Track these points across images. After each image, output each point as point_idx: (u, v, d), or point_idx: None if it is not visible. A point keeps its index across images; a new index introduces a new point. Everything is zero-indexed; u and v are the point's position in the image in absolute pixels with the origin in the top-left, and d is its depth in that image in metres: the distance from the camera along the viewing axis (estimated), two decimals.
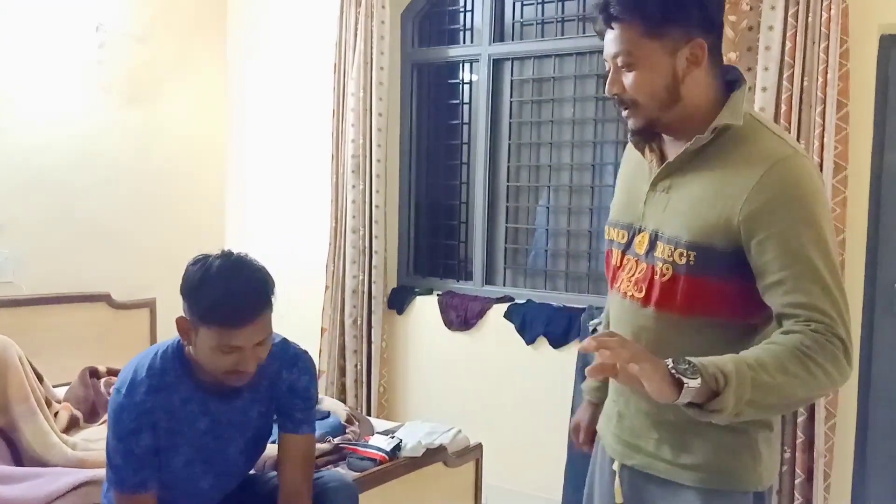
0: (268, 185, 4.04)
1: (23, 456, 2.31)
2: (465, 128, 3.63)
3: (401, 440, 2.56)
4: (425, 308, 3.60)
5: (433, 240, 3.79)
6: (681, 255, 1.26)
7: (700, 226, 1.25)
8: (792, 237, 1.18)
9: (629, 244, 1.37)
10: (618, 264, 1.39)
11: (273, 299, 1.58)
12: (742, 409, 1.10)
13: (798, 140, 2.56)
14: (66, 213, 3.42)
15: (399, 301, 3.68)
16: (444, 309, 3.52)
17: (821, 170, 2.51)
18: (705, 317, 1.27)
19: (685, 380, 1.08)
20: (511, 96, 3.47)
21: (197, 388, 1.62)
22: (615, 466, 1.41)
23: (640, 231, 1.35)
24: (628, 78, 1.26)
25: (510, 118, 3.47)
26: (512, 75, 3.46)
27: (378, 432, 2.73)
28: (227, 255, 1.57)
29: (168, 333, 3.62)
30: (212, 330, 1.50)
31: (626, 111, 1.30)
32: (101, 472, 2.15)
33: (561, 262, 3.40)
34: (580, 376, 3.13)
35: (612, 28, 1.25)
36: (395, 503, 2.43)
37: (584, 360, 3.12)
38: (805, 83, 2.55)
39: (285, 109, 3.97)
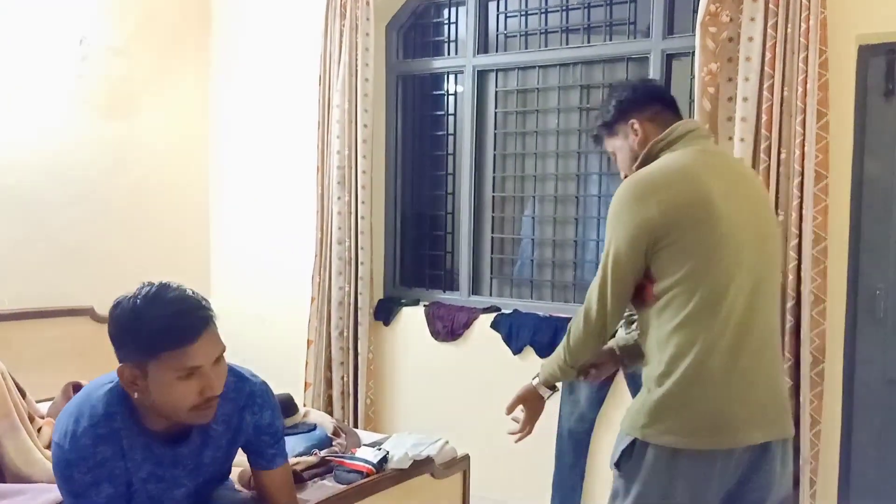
0: (253, 198, 4.03)
1: (5, 472, 2.28)
2: (451, 138, 3.64)
3: (388, 452, 2.54)
4: (412, 319, 3.60)
5: (419, 250, 3.79)
6: None
7: None
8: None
9: None
10: None
11: (213, 310, 1.49)
12: (562, 367, 1.85)
13: (780, 149, 2.59)
14: (47, 228, 3.40)
15: (385, 312, 3.67)
16: (431, 319, 3.52)
17: (801, 178, 2.54)
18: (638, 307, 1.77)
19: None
20: (496, 107, 3.48)
21: (140, 433, 1.49)
22: None
23: None
24: (617, 158, 1.88)
25: (495, 129, 3.49)
26: (496, 86, 3.48)
27: (365, 444, 2.72)
28: (144, 286, 1.46)
29: None
30: (163, 360, 1.40)
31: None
32: None
33: (547, 272, 3.41)
34: (568, 385, 3.14)
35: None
36: None
37: None
38: (785, 93, 2.58)
39: (270, 121, 3.97)
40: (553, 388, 1.95)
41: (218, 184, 4.15)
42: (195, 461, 1.57)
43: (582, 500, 3.15)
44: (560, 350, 1.84)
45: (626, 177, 1.77)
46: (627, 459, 1.68)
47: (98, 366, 3.41)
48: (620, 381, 3.05)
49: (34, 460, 2.31)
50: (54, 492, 2.10)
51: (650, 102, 1.82)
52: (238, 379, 1.64)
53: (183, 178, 4.02)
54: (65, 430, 1.46)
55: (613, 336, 1.93)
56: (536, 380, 1.94)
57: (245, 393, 1.64)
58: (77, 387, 2.92)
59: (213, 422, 1.56)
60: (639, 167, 1.74)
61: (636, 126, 1.80)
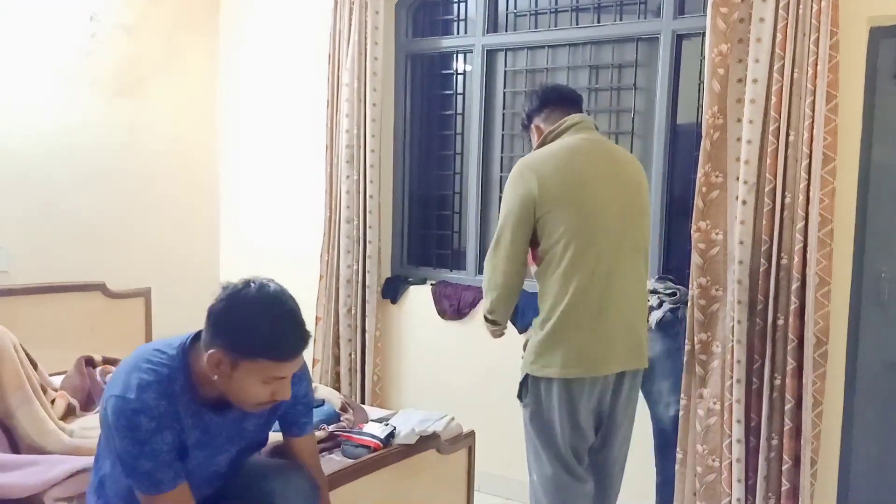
0: (262, 176, 4.06)
1: (20, 443, 2.32)
2: (459, 118, 3.64)
3: (394, 428, 2.58)
4: (419, 297, 3.63)
5: (427, 230, 3.81)
6: None
7: None
8: None
9: None
10: None
11: None
12: (489, 310, 2.23)
13: (788, 131, 2.59)
14: (57, 205, 3.43)
15: (393, 290, 3.70)
16: (438, 298, 3.55)
17: (809, 161, 2.54)
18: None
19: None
20: (504, 87, 3.48)
21: (192, 400, 1.56)
22: None
23: None
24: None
25: (503, 109, 3.49)
26: (505, 66, 3.48)
27: (372, 420, 2.76)
28: (260, 288, 1.53)
29: (162, 323, 3.66)
30: (258, 364, 1.48)
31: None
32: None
33: None
34: None
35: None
36: (389, 490, 2.45)
37: None
38: (795, 75, 2.58)
39: (279, 100, 3.98)
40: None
41: (227, 162, 4.17)
42: (238, 428, 1.65)
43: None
44: (483, 312, 2.25)
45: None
46: (525, 392, 2.16)
47: (109, 340, 3.49)
48: None
49: (48, 431, 2.35)
50: (68, 463, 2.15)
51: (544, 106, 2.26)
52: None
53: (192, 156, 4.04)
54: (127, 384, 1.50)
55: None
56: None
57: None
58: (89, 361, 2.97)
59: None
60: None
61: (535, 128, 2.28)
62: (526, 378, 2.17)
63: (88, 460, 2.17)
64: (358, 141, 3.55)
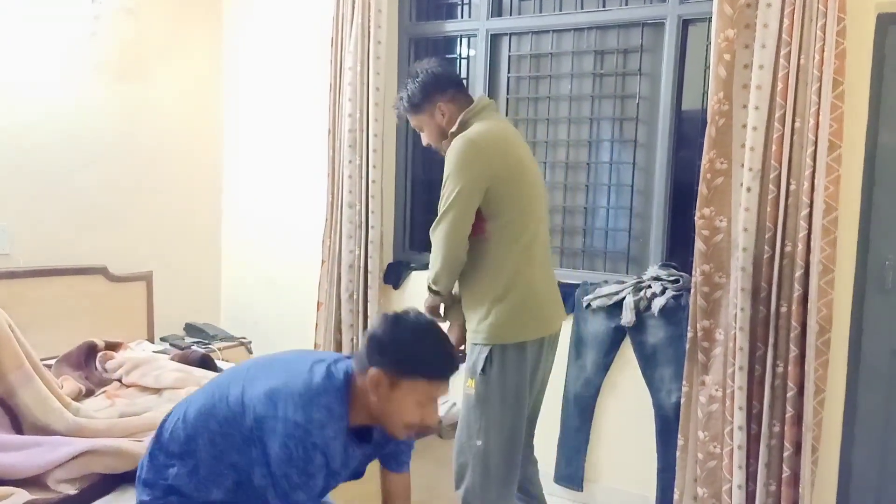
0: (264, 161, 4.04)
1: (23, 423, 2.32)
2: None
3: None
4: (421, 283, 3.59)
5: (429, 215, 3.78)
6: None
7: None
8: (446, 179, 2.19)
9: None
10: None
11: None
12: (434, 282, 2.25)
13: (794, 118, 2.57)
14: (60, 188, 3.42)
15: (395, 276, 3.70)
16: None
17: (815, 147, 2.53)
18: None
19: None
20: (508, 72, 3.46)
21: (346, 432, 1.63)
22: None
23: None
24: (424, 133, 2.38)
25: (507, 94, 3.47)
26: (509, 51, 3.45)
27: None
28: (419, 315, 1.68)
29: (163, 307, 3.65)
30: (416, 383, 1.58)
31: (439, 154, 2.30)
32: (101, 443, 2.18)
33: (556, 238, 3.41)
34: (575, 350, 3.17)
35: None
36: None
37: (577, 335, 3.16)
38: (802, 61, 2.56)
39: (282, 84, 3.96)
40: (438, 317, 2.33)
41: (230, 147, 4.15)
42: (361, 456, 1.71)
43: (586, 462, 3.20)
44: (428, 283, 2.28)
45: (436, 147, 2.35)
46: (490, 364, 2.18)
47: (110, 323, 3.49)
48: (626, 349, 3.07)
49: (51, 408, 2.35)
50: (71, 445, 2.16)
51: (448, 86, 2.32)
52: None
53: (195, 140, 4.02)
54: (308, 415, 1.55)
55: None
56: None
57: None
58: (92, 346, 2.96)
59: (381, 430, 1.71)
60: (455, 133, 2.23)
61: (442, 108, 2.30)
62: (491, 350, 2.18)
63: (92, 442, 2.18)
64: (361, 125, 3.53)
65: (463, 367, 2.19)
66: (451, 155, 2.18)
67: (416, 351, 1.59)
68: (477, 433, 2.22)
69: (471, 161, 2.16)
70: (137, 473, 1.79)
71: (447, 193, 2.17)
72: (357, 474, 1.78)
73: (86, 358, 2.96)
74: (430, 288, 2.29)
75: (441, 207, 2.19)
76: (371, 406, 1.60)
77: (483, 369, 2.19)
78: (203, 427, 1.65)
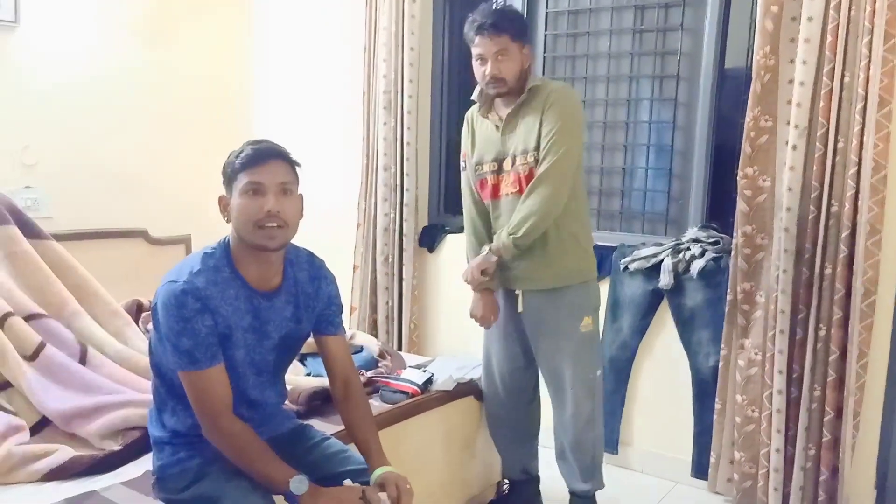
0: (298, 123, 4.04)
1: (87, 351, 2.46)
2: None
3: (432, 374, 2.60)
4: (455, 246, 3.61)
5: None
6: (529, 156, 2.32)
7: (531, 138, 2.31)
8: (552, 136, 2.27)
9: (500, 168, 2.41)
10: (495, 182, 2.43)
11: (296, 162, 1.76)
12: (512, 250, 2.33)
13: (843, 72, 2.48)
14: (97, 152, 3.46)
15: (430, 239, 3.69)
16: None
17: (864, 104, 2.43)
18: None
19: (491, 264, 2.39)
20: (546, 29, 3.38)
21: (244, 286, 1.70)
22: (518, 292, 2.45)
23: (504, 158, 2.40)
24: (504, 62, 2.32)
25: (544, 52, 3.39)
26: (547, 7, 3.37)
27: (410, 366, 2.78)
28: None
29: None
30: (239, 181, 1.67)
31: (498, 83, 2.34)
32: (141, 397, 2.24)
33: (594, 201, 3.36)
34: (611, 313, 3.14)
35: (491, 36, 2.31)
36: (427, 434, 2.48)
37: (614, 298, 3.13)
38: (852, 12, 2.45)
39: (314, 45, 3.93)
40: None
41: (262, 109, 4.15)
42: (280, 315, 1.76)
43: (621, 425, 3.19)
44: (509, 236, 2.32)
45: (501, 80, 2.32)
46: (588, 298, 2.46)
47: (151, 286, 3.50)
48: (663, 312, 3.04)
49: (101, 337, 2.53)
50: (119, 395, 2.22)
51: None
52: (310, 255, 1.91)
53: (227, 103, 4.03)
54: (179, 271, 1.66)
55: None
56: (491, 256, 2.38)
57: (317, 265, 1.88)
58: (139, 305, 3.02)
59: (295, 282, 1.80)
60: (523, 81, 2.35)
61: (527, 52, 2.37)
62: (587, 284, 2.44)
63: (132, 396, 2.24)
64: (395, 86, 3.50)
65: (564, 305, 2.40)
66: (568, 107, 2.28)
67: (230, 162, 1.70)
68: (597, 363, 2.48)
69: (579, 113, 2.33)
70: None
71: (562, 148, 2.25)
72: (295, 335, 1.82)
73: (134, 317, 3.03)
74: (513, 243, 2.30)
75: (550, 157, 2.25)
76: (235, 233, 1.69)
77: (584, 308, 2.41)
78: (154, 363, 1.75)
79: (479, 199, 2.51)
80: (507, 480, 2.78)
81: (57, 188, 3.31)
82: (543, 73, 3.40)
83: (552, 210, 2.29)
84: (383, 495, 1.65)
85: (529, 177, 2.32)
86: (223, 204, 1.72)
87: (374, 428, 1.84)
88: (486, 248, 2.40)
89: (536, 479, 2.73)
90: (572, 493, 2.55)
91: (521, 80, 2.35)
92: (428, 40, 3.62)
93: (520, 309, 2.45)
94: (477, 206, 2.52)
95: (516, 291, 2.45)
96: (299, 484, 1.58)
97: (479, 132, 2.49)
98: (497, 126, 2.42)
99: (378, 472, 1.71)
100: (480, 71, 2.36)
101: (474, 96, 2.50)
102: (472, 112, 2.53)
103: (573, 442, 2.48)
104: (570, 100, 2.32)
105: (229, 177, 1.70)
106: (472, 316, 2.52)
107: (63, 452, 2.03)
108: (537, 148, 2.30)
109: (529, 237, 2.30)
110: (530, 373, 2.59)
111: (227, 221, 1.72)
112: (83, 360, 2.44)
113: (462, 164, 2.56)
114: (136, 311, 3.01)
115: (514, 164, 2.37)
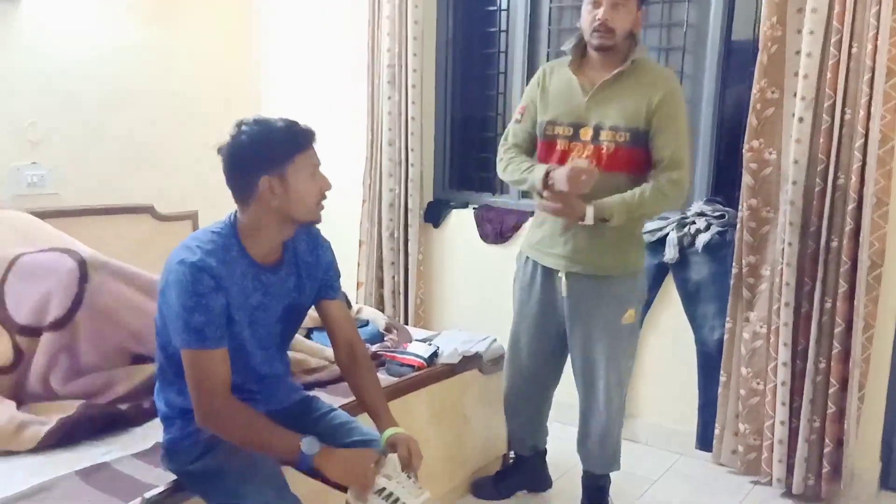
0: (302, 99, 4.02)
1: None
2: (503, 35, 3.53)
3: (438, 348, 2.62)
4: (461, 221, 3.62)
5: (469, 153, 3.76)
6: (620, 136, 2.18)
7: (630, 116, 2.17)
8: (673, 124, 2.18)
9: (575, 135, 2.24)
10: (565, 149, 2.26)
11: None
12: (623, 222, 2.17)
13: (851, 43, 2.45)
14: (103, 129, 3.45)
15: (435, 214, 3.69)
16: (480, 222, 3.53)
17: (872, 74, 2.40)
18: (627, 173, 2.22)
19: (586, 219, 2.17)
20: (550, 2, 3.35)
21: (251, 264, 1.69)
22: (561, 274, 2.32)
23: (583, 126, 2.23)
24: (618, 12, 2.16)
25: (549, 25, 3.37)
26: None
27: (416, 340, 2.79)
28: (244, 120, 1.68)
29: None
30: (298, 162, 1.64)
31: (606, 34, 2.17)
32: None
33: None
34: None
35: None
36: (432, 407, 2.50)
37: None
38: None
39: (318, 20, 3.91)
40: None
41: (267, 85, 4.14)
42: (284, 287, 1.77)
43: (627, 398, 3.20)
44: (633, 205, 2.18)
45: (611, 30, 2.16)
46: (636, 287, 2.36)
47: (159, 263, 3.52)
48: (668, 286, 3.04)
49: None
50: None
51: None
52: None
53: (232, 79, 4.01)
54: (190, 251, 1.62)
55: None
56: (591, 209, 2.17)
57: (313, 235, 1.88)
58: None
59: (294, 253, 1.79)
60: (627, 48, 2.21)
61: (640, 16, 2.23)
62: (636, 276, 2.34)
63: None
64: (399, 60, 3.48)
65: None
66: (679, 97, 2.21)
67: (275, 139, 1.64)
68: (632, 356, 2.44)
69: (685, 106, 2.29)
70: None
71: (684, 141, 2.20)
72: (298, 305, 1.83)
73: None
74: (628, 215, 2.18)
75: (680, 155, 2.19)
76: (280, 213, 1.65)
77: (631, 295, 2.33)
78: (160, 345, 1.74)
79: (520, 147, 2.39)
80: (513, 453, 2.78)
81: (63, 165, 3.31)
82: (549, 46, 3.38)
83: (661, 208, 2.28)
84: (394, 456, 1.66)
85: (614, 156, 2.19)
86: (268, 186, 1.62)
87: (381, 391, 1.86)
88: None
89: (543, 453, 2.74)
90: (589, 473, 2.53)
91: (626, 44, 2.20)
92: (432, 14, 3.59)
93: (563, 293, 2.33)
94: (519, 148, 2.40)
95: (559, 273, 2.32)
96: (311, 444, 1.60)
97: (558, 89, 2.30)
98: (585, 89, 2.23)
99: (388, 434, 1.73)
100: (590, 16, 2.17)
101: (566, 47, 2.31)
102: (552, 66, 2.35)
103: (601, 433, 2.43)
104: (679, 89, 2.25)
105: (281, 156, 1.63)
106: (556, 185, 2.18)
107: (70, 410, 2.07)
108: (635, 131, 2.17)
109: (645, 217, 2.31)
110: (558, 358, 2.50)
111: (274, 204, 1.64)
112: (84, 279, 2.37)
113: (518, 116, 2.41)
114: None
115: (596, 136, 2.21)
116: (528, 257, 2.44)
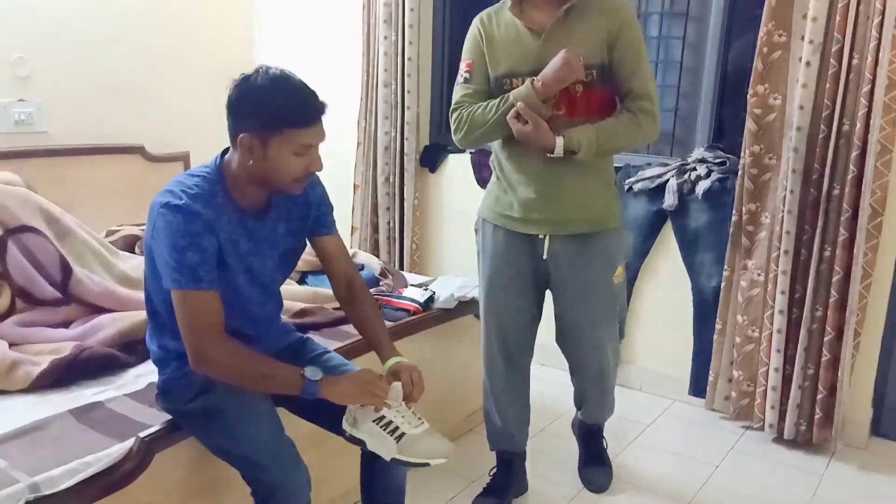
0: (297, 38, 3.92)
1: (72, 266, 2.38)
2: None
3: (434, 292, 2.60)
4: (458, 166, 3.57)
5: None
6: (587, 75, 1.95)
7: (593, 52, 1.96)
8: (637, 53, 1.99)
9: None
10: None
11: None
12: (592, 154, 1.97)
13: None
14: (91, 65, 3.35)
15: (431, 159, 3.64)
16: (477, 167, 3.48)
17: (881, 18, 2.33)
18: (599, 116, 2.01)
19: (555, 150, 1.95)
20: None
21: (237, 210, 1.64)
22: (544, 237, 2.11)
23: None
24: None
25: None
26: None
27: (411, 285, 2.78)
28: (267, 70, 1.60)
29: None
30: (286, 136, 1.56)
31: None
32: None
33: None
34: None
35: None
36: (428, 352, 2.50)
37: None
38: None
39: None
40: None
41: (261, 24, 4.03)
42: (275, 234, 1.73)
43: (623, 344, 3.21)
44: (604, 134, 1.98)
45: None
46: (618, 247, 2.19)
47: (148, 203, 3.47)
48: (666, 233, 3.02)
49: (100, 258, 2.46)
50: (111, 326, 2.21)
51: None
52: None
53: (225, 17, 3.90)
54: (175, 195, 1.56)
55: None
56: (561, 140, 1.96)
57: None
58: (133, 241, 3.00)
59: (285, 199, 1.73)
60: None
61: None
62: (619, 230, 2.18)
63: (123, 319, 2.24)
64: None
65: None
66: (637, 25, 2.01)
67: (274, 104, 1.55)
68: (619, 312, 2.26)
69: None
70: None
71: (650, 72, 2.02)
72: (292, 249, 1.79)
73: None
74: (597, 146, 1.97)
75: (649, 85, 2.00)
76: (255, 173, 1.60)
77: (616, 259, 2.17)
78: (152, 290, 1.69)
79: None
80: (494, 464, 2.41)
81: (52, 101, 3.22)
82: None
83: (648, 139, 2.06)
84: (396, 384, 1.65)
85: (585, 99, 1.99)
86: (247, 146, 1.57)
87: (382, 321, 1.84)
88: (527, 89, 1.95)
89: (524, 455, 2.42)
90: (584, 424, 2.48)
91: None
92: None
93: (543, 255, 2.11)
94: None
95: (539, 236, 2.11)
96: (314, 371, 1.58)
97: (504, 38, 2.04)
98: (534, 32, 2.00)
99: (390, 363, 1.73)
100: None
101: None
102: (489, 14, 2.10)
103: (599, 394, 2.33)
104: (636, 18, 2.03)
105: (270, 123, 1.55)
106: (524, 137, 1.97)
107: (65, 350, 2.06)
108: (601, 67, 1.97)
109: (616, 150, 2.07)
110: (535, 328, 2.29)
111: (250, 163, 1.59)
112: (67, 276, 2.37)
113: (465, 75, 2.11)
114: (134, 244, 2.98)
115: None
116: (496, 226, 2.18)
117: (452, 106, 2.13)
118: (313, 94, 1.60)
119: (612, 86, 2.02)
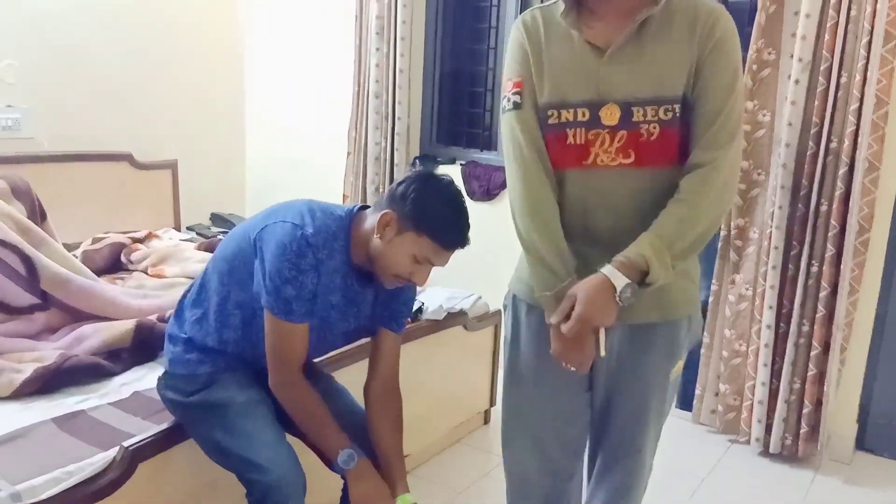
0: (288, 49, 3.92)
1: (41, 278, 2.33)
2: None
3: (423, 303, 2.59)
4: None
5: (458, 107, 3.69)
6: (666, 111, 1.38)
7: (674, 83, 1.38)
8: (729, 84, 1.39)
9: (594, 119, 1.41)
10: (582, 143, 1.43)
11: None
12: (675, 266, 1.36)
13: (850, 5, 2.42)
14: (79, 72, 3.34)
15: None
16: (467, 179, 3.48)
17: (870, 38, 2.37)
18: (669, 167, 1.41)
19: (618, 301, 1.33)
20: None
21: (345, 263, 1.65)
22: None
23: (604, 103, 1.40)
24: None
25: None
26: None
27: None
28: (452, 182, 1.62)
29: (189, 196, 3.63)
30: (422, 242, 1.57)
31: None
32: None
33: None
34: None
35: None
36: (417, 363, 2.48)
37: None
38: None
39: None
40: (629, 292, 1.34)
41: (252, 34, 4.03)
42: (362, 305, 1.72)
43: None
44: (662, 255, 1.34)
45: None
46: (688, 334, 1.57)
47: (134, 211, 3.48)
48: None
49: (72, 265, 2.42)
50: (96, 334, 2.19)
51: None
52: None
53: (215, 27, 3.89)
54: (303, 218, 1.59)
55: None
56: (609, 267, 1.35)
57: None
58: (118, 248, 2.98)
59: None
60: None
61: None
62: (692, 316, 1.56)
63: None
64: (388, 11, 3.39)
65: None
66: (735, 42, 1.42)
67: (435, 212, 1.57)
68: (667, 412, 1.65)
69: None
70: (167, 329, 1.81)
71: (739, 116, 1.40)
72: (365, 328, 1.77)
73: (114, 260, 2.97)
74: (672, 262, 1.35)
75: (729, 131, 1.37)
76: (371, 247, 1.61)
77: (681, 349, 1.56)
78: (213, 270, 1.70)
79: (544, 164, 1.46)
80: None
81: (39, 108, 3.20)
82: (542, 0, 3.29)
83: (723, 215, 1.50)
84: None
85: (659, 143, 1.39)
86: (386, 221, 1.58)
87: (400, 441, 1.74)
88: (608, 268, 1.35)
89: None
90: None
91: None
92: None
93: (601, 353, 1.40)
94: (546, 176, 1.46)
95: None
96: (348, 458, 1.60)
97: (556, 53, 1.46)
98: (597, 48, 1.42)
99: (402, 501, 1.67)
100: None
101: None
102: (535, 15, 1.50)
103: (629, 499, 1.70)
104: (734, 31, 1.43)
105: (419, 222, 1.55)
106: (560, 358, 1.44)
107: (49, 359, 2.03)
108: (682, 100, 1.38)
109: (694, 251, 1.42)
110: (584, 445, 1.70)
111: (377, 237, 1.59)
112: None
113: (509, 99, 1.48)
114: (115, 254, 2.95)
115: (628, 116, 1.39)
116: (529, 305, 1.59)
117: (508, 143, 1.50)
118: (467, 228, 1.61)
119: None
